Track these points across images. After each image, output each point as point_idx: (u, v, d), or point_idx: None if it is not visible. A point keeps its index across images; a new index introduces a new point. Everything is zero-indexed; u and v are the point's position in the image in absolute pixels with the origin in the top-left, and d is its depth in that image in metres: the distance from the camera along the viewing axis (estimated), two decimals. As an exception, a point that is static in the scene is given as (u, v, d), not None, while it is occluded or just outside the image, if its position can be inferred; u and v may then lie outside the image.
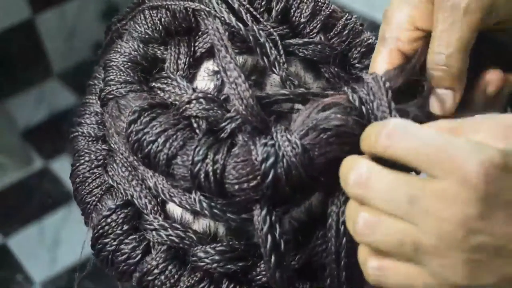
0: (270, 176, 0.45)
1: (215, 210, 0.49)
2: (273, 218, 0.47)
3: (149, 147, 0.48)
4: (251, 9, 0.54)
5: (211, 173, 0.46)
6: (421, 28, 0.51)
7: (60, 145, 2.38)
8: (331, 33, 0.56)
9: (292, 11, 0.55)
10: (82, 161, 0.58)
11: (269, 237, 0.47)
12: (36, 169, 2.37)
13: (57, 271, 2.04)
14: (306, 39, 0.55)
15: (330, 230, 0.48)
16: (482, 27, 0.49)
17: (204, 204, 0.49)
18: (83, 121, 0.61)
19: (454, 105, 0.50)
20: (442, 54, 0.48)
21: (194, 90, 0.52)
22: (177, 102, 0.51)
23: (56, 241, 2.11)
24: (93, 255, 0.56)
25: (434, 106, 0.50)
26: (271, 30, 0.54)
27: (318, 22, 0.55)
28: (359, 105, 0.45)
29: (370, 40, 0.57)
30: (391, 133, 0.41)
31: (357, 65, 0.56)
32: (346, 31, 0.56)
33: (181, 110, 0.49)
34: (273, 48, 0.51)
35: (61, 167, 2.34)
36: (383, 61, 0.51)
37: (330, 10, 0.56)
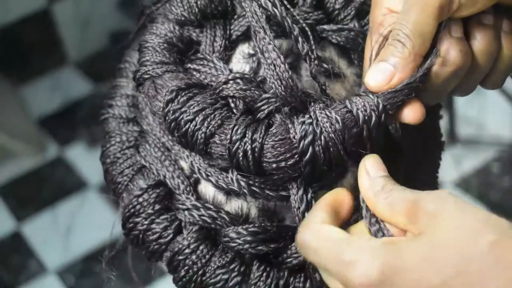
0: (309, 154, 0.46)
1: (253, 188, 0.49)
2: (309, 196, 0.48)
3: (187, 126, 0.48)
4: None
5: (249, 152, 0.46)
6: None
7: (74, 133, 2.39)
8: (365, 20, 0.56)
9: None
10: (113, 142, 0.59)
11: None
12: (51, 156, 2.38)
13: (70, 258, 2.05)
14: (339, 26, 0.55)
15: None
16: (442, 16, 0.48)
17: (242, 183, 0.50)
18: (114, 103, 0.61)
19: (386, 85, 0.48)
20: (400, 30, 0.48)
21: (230, 71, 0.52)
22: (213, 83, 0.51)
23: (70, 229, 2.13)
24: (123, 234, 0.56)
25: (371, 77, 0.49)
26: (306, 15, 0.54)
27: (352, 9, 0.56)
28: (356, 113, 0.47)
29: None
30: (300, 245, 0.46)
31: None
32: None
33: (218, 90, 0.50)
34: (305, 42, 0.51)
35: (76, 154, 2.35)
36: (368, 50, 0.52)
37: None
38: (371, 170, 0.47)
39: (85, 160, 2.32)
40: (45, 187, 2.28)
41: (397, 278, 0.41)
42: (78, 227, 2.12)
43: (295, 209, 0.48)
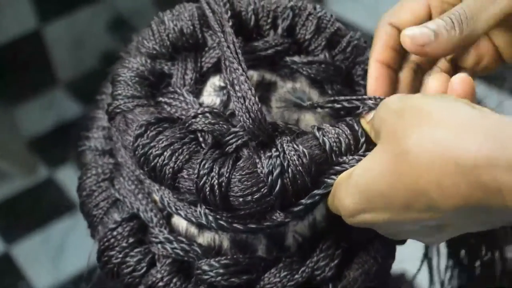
0: (278, 187, 0.46)
1: (221, 222, 0.49)
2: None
3: (155, 161, 0.48)
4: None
5: (216, 187, 0.47)
6: None
7: (65, 154, 2.38)
8: (336, 50, 0.57)
9: (297, 28, 0.56)
10: (89, 174, 0.59)
11: None
12: (42, 177, 2.37)
13: (60, 280, 2.04)
14: (310, 58, 0.56)
15: None
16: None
17: (210, 217, 0.50)
18: (90, 135, 0.62)
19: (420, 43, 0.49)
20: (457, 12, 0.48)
21: (200, 105, 0.52)
22: (183, 117, 0.51)
23: (60, 250, 2.12)
24: (98, 267, 0.56)
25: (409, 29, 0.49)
26: (276, 43, 0.55)
27: (323, 40, 0.56)
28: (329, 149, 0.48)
29: None
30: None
31: (360, 82, 0.57)
32: (350, 48, 0.57)
33: (187, 124, 0.50)
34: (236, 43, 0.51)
35: (67, 176, 2.35)
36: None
37: (335, 28, 0.57)
38: None
39: (76, 182, 2.30)
40: (35, 208, 2.27)
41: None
42: (69, 248, 2.11)
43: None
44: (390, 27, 0.52)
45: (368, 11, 2.42)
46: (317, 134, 0.49)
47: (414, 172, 0.39)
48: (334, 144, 0.48)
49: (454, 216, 0.40)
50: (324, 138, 0.48)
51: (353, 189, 0.44)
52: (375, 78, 0.53)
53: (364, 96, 0.52)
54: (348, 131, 0.49)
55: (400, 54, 0.53)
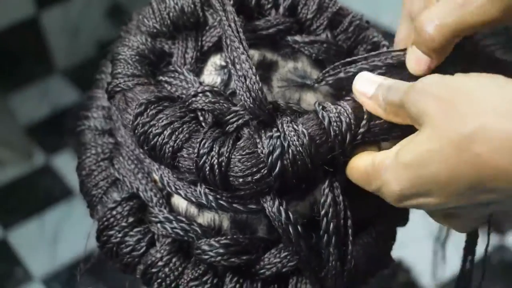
0: (277, 168, 0.46)
1: (221, 202, 0.49)
2: (285, 207, 0.48)
3: (155, 140, 0.48)
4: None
5: (216, 166, 0.46)
6: None
7: (62, 141, 2.38)
8: (338, 30, 0.56)
9: (299, 7, 0.56)
10: (89, 154, 0.59)
11: (290, 227, 0.48)
12: (38, 164, 2.37)
13: (57, 266, 2.04)
14: (312, 38, 0.55)
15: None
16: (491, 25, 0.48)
17: (210, 197, 0.49)
18: (90, 114, 0.62)
19: (428, 70, 0.49)
20: (433, 24, 0.47)
21: (200, 83, 0.52)
22: (183, 96, 0.51)
23: (56, 237, 2.11)
24: (98, 247, 0.56)
25: (410, 63, 0.50)
26: (278, 22, 0.55)
27: (325, 19, 0.56)
28: (327, 126, 0.47)
29: (376, 38, 0.58)
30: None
31: (362, 62, 0.56)
32: (352, 28, 0.56)
33: (187, 103, 0.50)
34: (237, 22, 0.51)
35: (63, 162, 2.34)
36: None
37: (337, 8, 0.56)
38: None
39: (72, 168, 2.25)
40: (32, 195, 2.27)
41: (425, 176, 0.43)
42: (65, 235, 2.10)
43: (275, 221, 0.48)
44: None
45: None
46: (317, 109, 0.48)
47: (480, 159, 0.40)
48: (335, 123, 0.48)
49: None
50: (325, 114, 0.48)
51: (403, 175, 0.44)
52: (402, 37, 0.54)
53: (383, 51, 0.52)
54: (350, 110, 0.48)
55: None
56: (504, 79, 0.42)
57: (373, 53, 0.52)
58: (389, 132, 0.49)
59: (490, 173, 0.40)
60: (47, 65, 2.68)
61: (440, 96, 0.42)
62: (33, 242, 2.12)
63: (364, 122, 0.48)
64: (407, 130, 0.46)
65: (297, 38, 0.55)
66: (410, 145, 0.44)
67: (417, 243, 1.67)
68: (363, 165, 0.48)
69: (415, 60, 0.49)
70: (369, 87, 0.49)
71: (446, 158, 0.41)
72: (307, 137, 0.46)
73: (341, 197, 0.49)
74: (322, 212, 0.49)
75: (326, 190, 0.49)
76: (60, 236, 2.12)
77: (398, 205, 0.47)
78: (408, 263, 1.83)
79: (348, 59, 0.53)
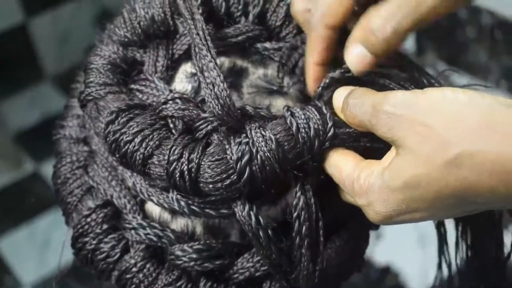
0: (246, 174, 0.46)
1: (193, 207, 0.50)
2: (255, 211, 0.49)
3: (126, 147, 0.49)
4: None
5: (186, 172, 0.47)
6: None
7: (51, 148, 2.37)
8: None
9: (268, 15, 0.56)
10: (64, 162, 0.59)
11: (261, 231, 0.49)
12: (27, 171, 2.37)
13: (47, 273, 2.04)
14: (281, 44, 0.56)
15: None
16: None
17: (182, 203, 0.50)
18: (65, 123, 0.62)
19: (370, 68, 0.50)
20: (389, 26, 0.48)
21: (171, 91, 0.53)
22: (154, 103, 0.52)
23: (46, 243, 2.11)
24: (73, 253, 0.57)
25: (353, 61, 0.50)
26: (247, 29, 0.55)
27: (294, 26, 0.56)
28: (296, 132, 0.48)
29: None
30: None
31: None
32: None
33: (157, 110, 0.50)
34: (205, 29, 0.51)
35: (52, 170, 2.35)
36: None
37: None
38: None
39: None
40: (21, 202, 2.27)
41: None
42: (55, 242, 2.10)
43: (246, 226, 0.49)
44: (325, 29, 0.52)
45: None
46: (286, 114, 0.49)
47: (467, 181, 0.41)
48: (303, 129, 0.48)
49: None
50: (293, 120, 0.48)
51: (390, 198, 0.45)
52: (315, 80, 0.53)
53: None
54: (318, 116, 0.49)
55: (332, 51, 0.53)
56: (464, 92, 0.43)
57: None
58: (358, 139, 0.49)
59: (476, 192, 0.42)
60: (36, 72, 2.68)
61: (414, 120, 0.43)
62: (23, 249, 2.12)
63: (331, 128, 0.49)
64: (377, 139, 0.47)
65: (267, 45, 0.56)
66: (394, 170, 0.44)
67: (405, 247, 1.69)
68: (345, 171, 0.48)
69: (359, 58, 0.49)
70: (339, 102, 0.50)
71: (433, 181, 0.42)
72: (274, 143, 0.47)
73: (313, 200, 0.50)
74: (295, 215, 0.50)
75: (298, 193, 0.50)
76: (50, 244, 2.12)
77: (380, 223, 0.47)
78: (396, 267, 1.83)
79: None
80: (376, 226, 0.59)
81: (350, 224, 0.56)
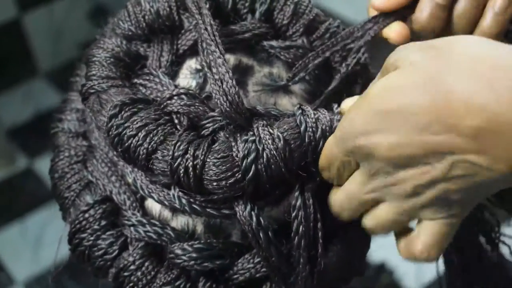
0: (251, 172, 0.46)
1: (195, 206, 0.49)
2: (256, 212, 0.48)
3: (129, 142, 0.48)
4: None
5: (190, 169, 0.46)
6: None
7: (45, 144, 2.37)
8: (314, 36, 0.56)
9: (275, 13, 0.56)
10: (62, 156, 0.58)
11: (261, 232, 0.48)
12: (21, 167, 2.36)
13: (40, 271, 2.03)
14: (288, 43, 0.55)
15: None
16: None
17: (183, 200, 0.49)
18: (64, 117, 0.61)
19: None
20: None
21: (176, 86, 0.52)
22: (158, 98, 0.51)
23: (39, 241, 2.10)
24: (69, 250, 0.56)
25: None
26: (253, 27, 0.55)
27: (301, 25, 0.56)
28: (303, 131, 0.47)
29: (352, 45, 0.57)
30: None
31: (338, 68, 0.56)
32: (328, 35, 0.56)
33: (162, 105, 0.50)
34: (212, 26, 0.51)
35: (46, 166, 2.32)
36: None
37: (314, 14, 0.56)
38: None
39: None
40: (14, 198, 2.26)
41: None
42: (48, 239, 2.09)
43: (246, 226, 0.48)
44: None
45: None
46: (296, 113, 0.48)
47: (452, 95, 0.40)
48: (311, 129, 0.47)
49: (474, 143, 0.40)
50: (302, 119, 0.47)
51: (368, 108, 0.43)
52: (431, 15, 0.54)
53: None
54: (328, 118, 0.48)
55: None
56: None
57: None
58: None
59: (457, 106, 0.40)
60: (30, 68, 2.67)
61: (419, 49, 0.43)
62: (15, 246, 2.11)
63: (335, 125, 0.48)
64: None
65: (273, 43, 0.55)
66: (379, 82, 0.43)
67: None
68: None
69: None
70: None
71: (415, 91, 0.41)
72: (282, 141, 0.46)
73: (311, 200, 0.49)
74: (293, 215, 0.49)
75: (297, 193, 0.49)
76: (43, 240, 2.10)
77: (352, 146, 0.44)
78: (391, 265, 1.83)
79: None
80: None
81: (351, 227, 0.55)
